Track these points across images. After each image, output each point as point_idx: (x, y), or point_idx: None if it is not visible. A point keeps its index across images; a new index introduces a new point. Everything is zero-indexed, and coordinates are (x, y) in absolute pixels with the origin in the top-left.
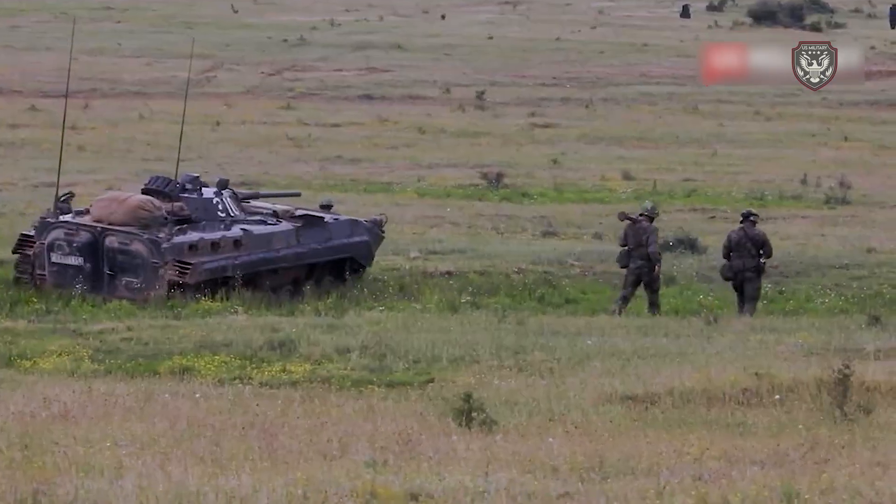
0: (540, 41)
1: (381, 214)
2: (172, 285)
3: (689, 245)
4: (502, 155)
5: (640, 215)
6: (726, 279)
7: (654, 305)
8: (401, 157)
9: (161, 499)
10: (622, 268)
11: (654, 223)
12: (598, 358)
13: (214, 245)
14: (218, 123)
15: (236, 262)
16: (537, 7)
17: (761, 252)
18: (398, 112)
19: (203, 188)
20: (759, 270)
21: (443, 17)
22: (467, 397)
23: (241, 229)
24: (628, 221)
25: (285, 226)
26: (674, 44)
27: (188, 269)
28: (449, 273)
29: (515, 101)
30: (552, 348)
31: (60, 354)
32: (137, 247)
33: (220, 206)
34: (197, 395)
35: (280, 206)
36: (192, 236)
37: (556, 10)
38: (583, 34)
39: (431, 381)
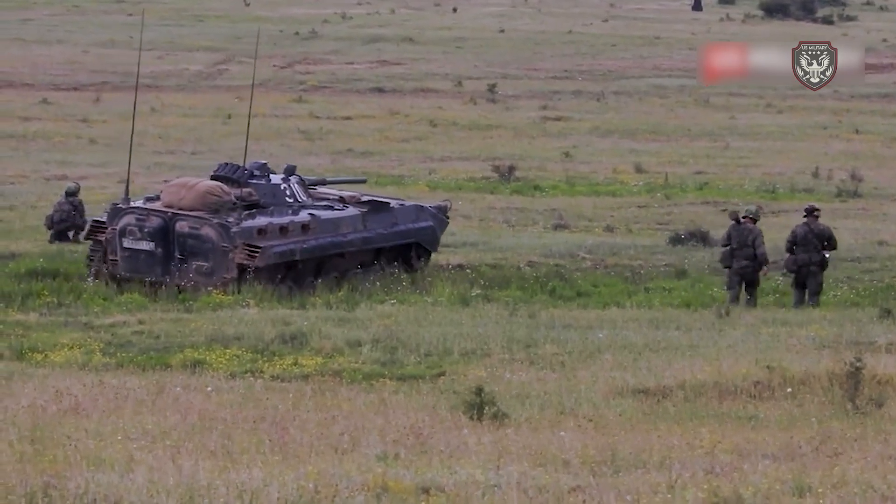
0: (551, 34)
1: (445, 200)
2: (242, 269)
3: (701, 238)
4: (514, 148)
5: (744, 217)
6: (790, 272)
7: (750, 302)
8: (412, 149)
9: (172, 492)
10: (725, 268)
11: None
12: (610, 351)
13: (283, 229)
14: (229, 116)
15: (304, 245)
16: (549, 0)
17: (825, 245)
18: (409, 105)
19: (271, 174)
20: (824, 264)
21: (454, 9)
22: (479, 391)
23: (309, 214)
24: (733, 222)
25: (352, 211)
26: (685, 37)
27: (257, 252)
28: (460, 266)
29: (527, 94)
30: (563, 341)
31: (72, 347)
32: (207, 231)
33: (287, 192)
34: (208, 389)
35: (346, 192)
36: (261, 221)
37: (567, 2)
38: (594, 27)
39: (443, 374)
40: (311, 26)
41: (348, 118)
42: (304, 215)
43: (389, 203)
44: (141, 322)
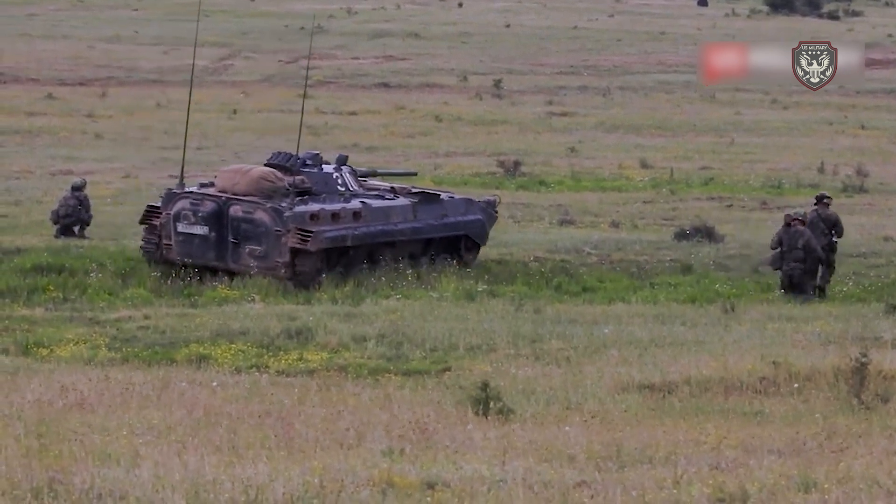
0: (557, 29)
1: (494, 195)
2: (294, 252)
3: (707, 233)
4: (519, 143)
5: (794, 220)
6: None
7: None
8: (417, 145)
9: (177, 487)
10: (775, 269)
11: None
12: (616, 346)
13: (335, 215)
14: (235, 112)
15: (356, 232)
16: None
17: (832, 231)
18: (415, 100)
19: (323, 164)
20: (832, 249)
21: (460, 4)
22: (484, 386)
23: (361, 202)
24: (784, 226)
25: (402, 201)
26: (691, 32)
27: (309, 236)
28: None
29: (533, 89)
30: (569, 337)
31: (77, 343)
32: (261, 215)
33: (339, 181)
34: (214, 384)
35: (397, 184)
36: (314, 206)
37: None
38: (600, 22)
39: (448, 369)
40: (317, 21)
41: (354, 113)
42: (355, 203)
43: (440, 195)
44: (146, 317)
